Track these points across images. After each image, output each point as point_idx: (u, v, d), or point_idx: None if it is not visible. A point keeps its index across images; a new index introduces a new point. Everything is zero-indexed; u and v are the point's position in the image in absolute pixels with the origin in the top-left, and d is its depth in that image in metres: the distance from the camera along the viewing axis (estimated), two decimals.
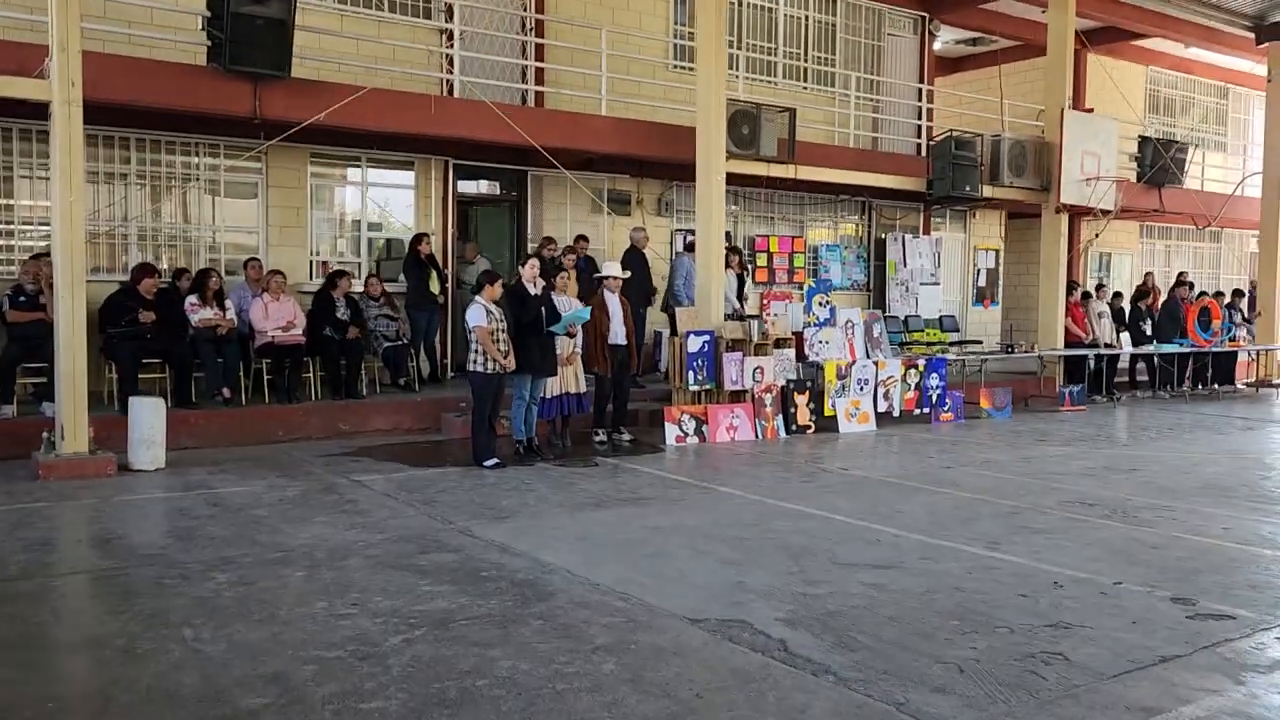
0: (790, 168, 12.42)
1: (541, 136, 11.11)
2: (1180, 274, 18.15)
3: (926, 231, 16.79)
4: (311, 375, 10.51)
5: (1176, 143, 16.96)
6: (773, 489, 8.02)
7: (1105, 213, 14.85)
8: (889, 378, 11.77)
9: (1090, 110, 15.80)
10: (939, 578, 5.51)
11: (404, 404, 10.70)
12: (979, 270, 17.81)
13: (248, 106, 9.75)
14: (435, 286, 11.89)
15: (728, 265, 11.88)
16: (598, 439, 10.31)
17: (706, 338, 10.67)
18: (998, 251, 18.06)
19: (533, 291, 9.09)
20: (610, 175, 13.62)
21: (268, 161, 11.30)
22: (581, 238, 12.84)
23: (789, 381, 11.09)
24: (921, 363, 12.02)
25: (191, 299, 9.84)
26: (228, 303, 10.09)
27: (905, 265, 16.20)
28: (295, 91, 9.91)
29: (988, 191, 14.53)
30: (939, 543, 6.29)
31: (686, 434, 10.33)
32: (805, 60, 15.46)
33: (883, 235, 16.41)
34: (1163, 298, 16.74)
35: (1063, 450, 10.20)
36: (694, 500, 7.59)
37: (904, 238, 16.22)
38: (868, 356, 11.80)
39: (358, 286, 11.38)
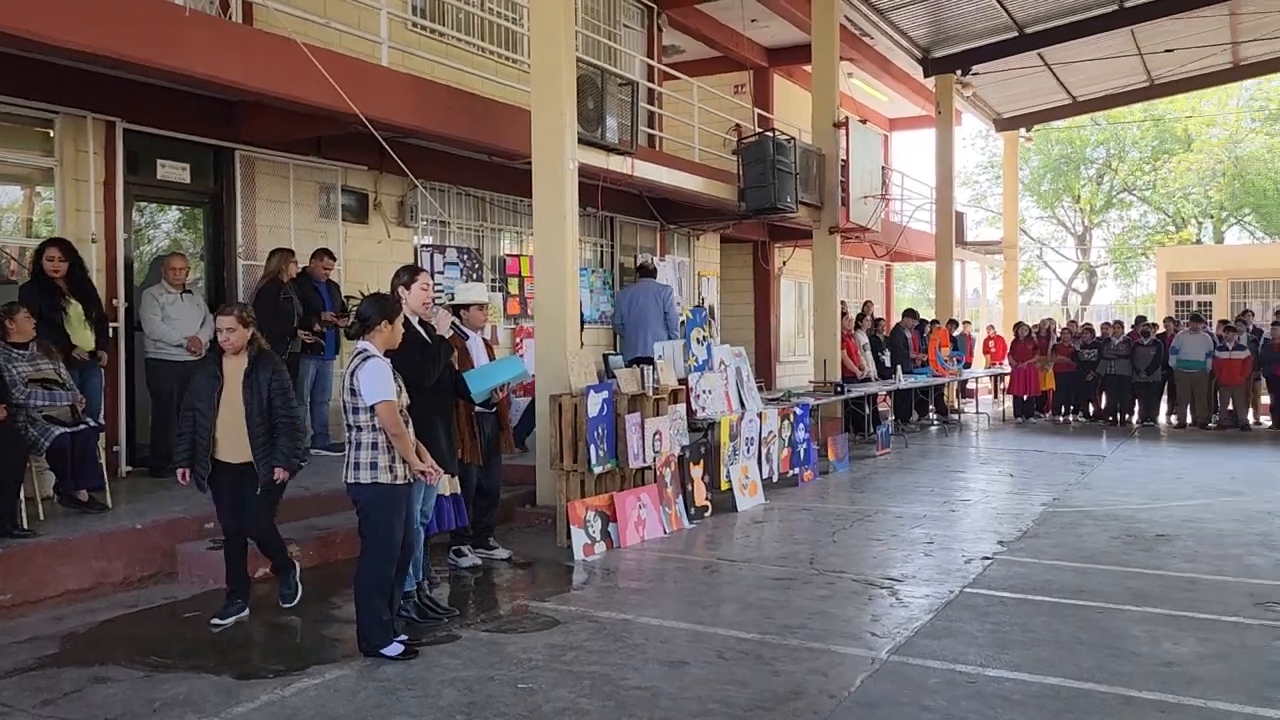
0: (628, 161, 9.35)
1: (330, 92, 6.96)
2: (867, 302, 17.89)
3: (663, 255, 14.55)
4: None
5: (882, 168, 16.50)
6: (918, 643, 5.03)
7: (870, 236, 13.65)
8: (769, 434, 9.23)
9: (865, 122, 14.67)
10: None
11: (108, 537, 5.95)
12: (703, 299, 15.94)
13: None
14: (84, 333, 6.98)
15: None
16: (464, 562, 6.56)
17: (605, 395, 7.29)
18: (718, 279, 16.37)
19: (439, 332, 5.24)
20: (345, 165, 9.56)
21: None
22: (325, 253, 8.75)
23: (683, 449, 8.08)
24: (796, 411, 9.65)
25: None
26: None
27: None
28: None
29: None
30: None
31: (594, 539, 6.90)
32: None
33: (626, 259, 13.84)
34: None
35: (1006, 510, 8.39)
36: (866, 692, 4.40)
37: (654, 262, 13.79)
38: (743, 406, 9.15)
39: None
